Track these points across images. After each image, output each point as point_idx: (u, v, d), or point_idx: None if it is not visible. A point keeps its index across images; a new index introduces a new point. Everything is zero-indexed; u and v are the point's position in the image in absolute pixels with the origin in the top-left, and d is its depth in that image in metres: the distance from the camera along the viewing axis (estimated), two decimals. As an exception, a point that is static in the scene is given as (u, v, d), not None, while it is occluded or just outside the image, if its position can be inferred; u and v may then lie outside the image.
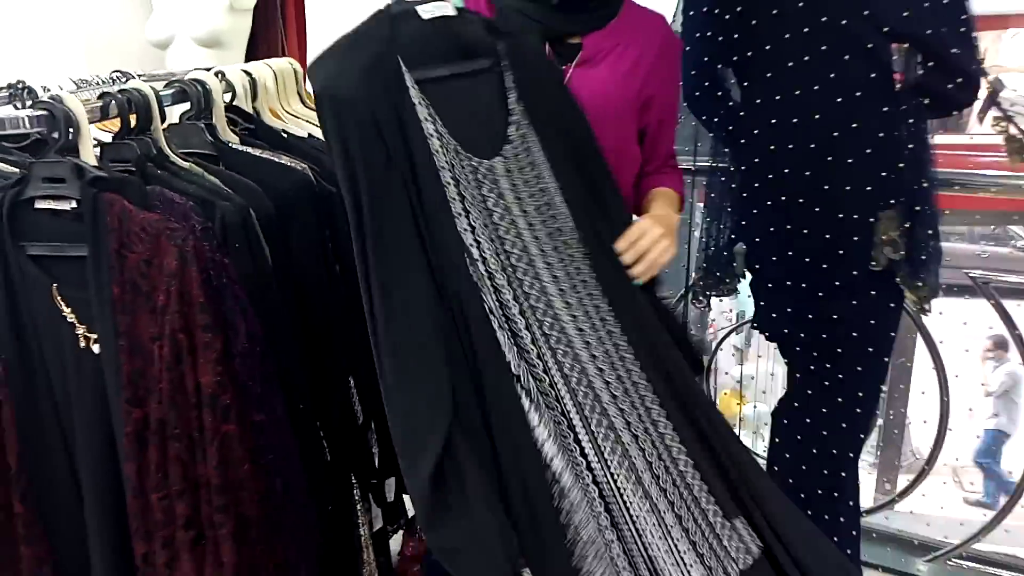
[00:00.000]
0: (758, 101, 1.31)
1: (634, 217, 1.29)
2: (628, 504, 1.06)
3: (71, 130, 1.11)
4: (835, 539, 1.47)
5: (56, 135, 1.12)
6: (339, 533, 1.48)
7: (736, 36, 1.29)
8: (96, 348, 1.07)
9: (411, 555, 1.97)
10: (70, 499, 1.14)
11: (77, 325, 1.08)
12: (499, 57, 1.13)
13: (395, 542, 1.86)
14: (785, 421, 1.46)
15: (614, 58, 1.27)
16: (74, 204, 1.07)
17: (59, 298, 1.09)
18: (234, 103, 1.55)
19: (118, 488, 1.09)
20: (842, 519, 1.46)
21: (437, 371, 1.00)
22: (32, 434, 1.12)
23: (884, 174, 1.24)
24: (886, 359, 1.35)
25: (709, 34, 1.33)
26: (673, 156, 1.43)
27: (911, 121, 1.22)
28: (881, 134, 1.22)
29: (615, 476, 1.06)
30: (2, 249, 1.09)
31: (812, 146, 1.26)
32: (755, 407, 2.97)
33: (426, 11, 1.08)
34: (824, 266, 1.32)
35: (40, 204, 1.10)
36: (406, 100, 1.04)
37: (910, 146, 1.23)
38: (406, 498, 1.60)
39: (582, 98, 1.26)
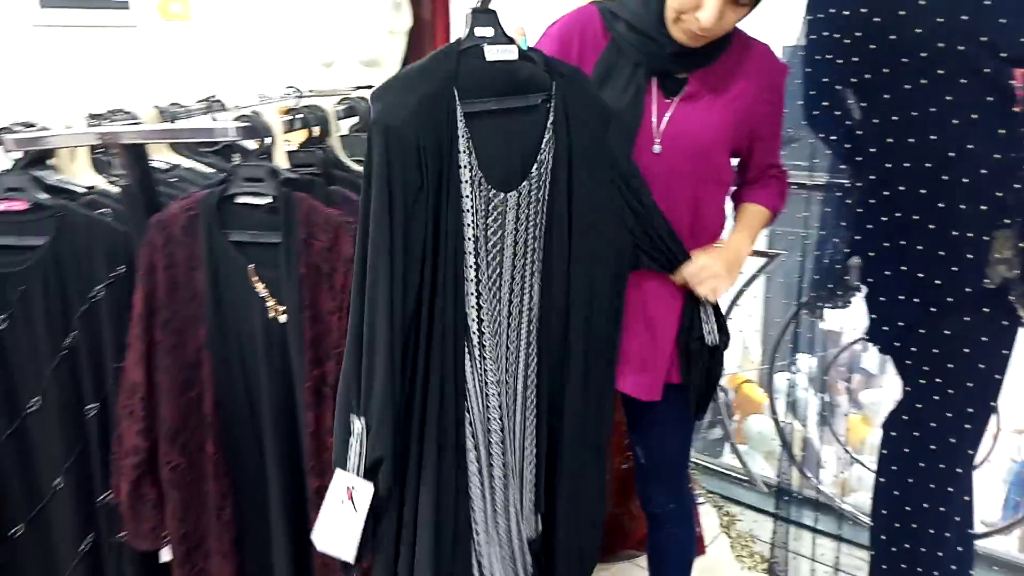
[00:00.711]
0: (875, 121, 1.37)
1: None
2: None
3: (268, 139, 1.35)
4: (939, 554, 1.50)
5: (254, 143, 1.36)
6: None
7: (856, 59, 1.36)
8: (283, 318, 1.29)
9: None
10: (252, 444, 1.36)
11: (268, 299, 1.30)
12: (550, 95, 1.23)
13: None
14: (893, 433, 1.50)
15: (717, 93, 1.37)
16: (270, 200, 1.29)
17: (254, 277, 1.31)
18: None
19: (295, 434, 1.30)
20: (947, 534, 1.48)
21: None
22: (225, 388, 1.35)
23: (999, 194, 1.28)
24: (997, 376, 1.38)
25: (830, 56, 1.40)
26: (775, 165, 1.52)
27: (1028, 143, 1.26)
28: (997, 155, 1.26)
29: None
30: (210, 235, 1.32)
31: (928, 165, 1.32)
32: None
33: (491, 53, 1.18)
34: (937, 282, 1.36)
35: (240, 199, 1.33)
36: (453, 132, 1.14)
37: (1027, 167, 1.27)
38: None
39: (682, 130, 1.37)
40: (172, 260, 1.33)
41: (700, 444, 2.80)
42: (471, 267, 1.19)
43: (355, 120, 1.62)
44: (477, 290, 1.19)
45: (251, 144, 1.43)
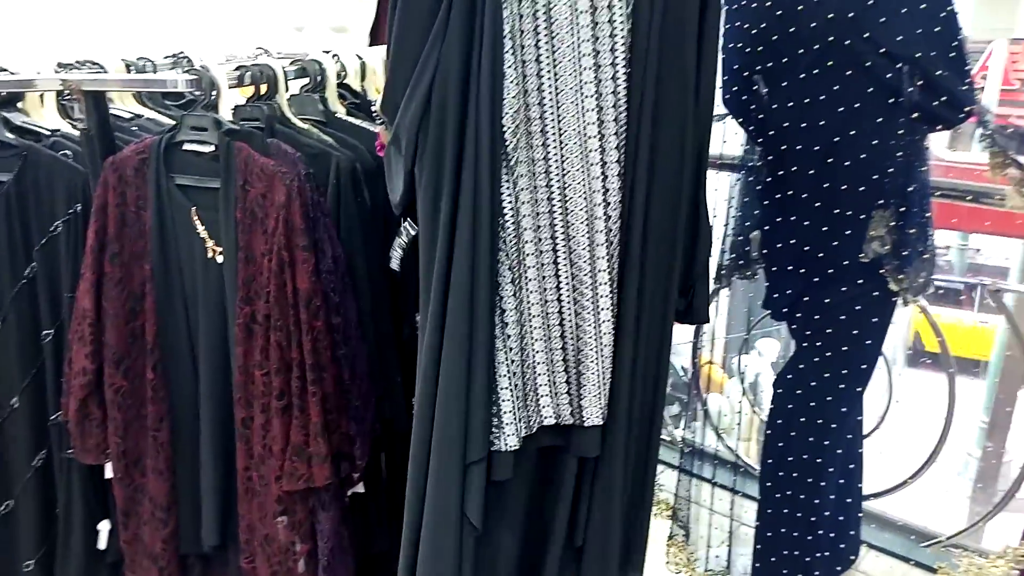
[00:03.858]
0: (775, 106, 1.50)
1: None
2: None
3: (214, 92, 1.46)
4: (816, 501, 1.66)
5: (202, 95, 1.47)
6: (396, 437, 1.77)
7: (760, 48, 1.49)
8: (220, 258, 1.41)
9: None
10: (188, 372, 1.49)
11: (207, 239, 1.42)
12: None
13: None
14: (780, 391, 1.65)
15: None
16: (212, 148, 1.41)
17: (196, 218, 1.44)
18: (345, 81, 1.89)
19: (226, 366, 1.43)
20: (823, 483, 1.64)
21: None
22: (166, 319, 1.47)
23: (876, 177, 1.42)
24: (869, 342, 1.53)
25: (739, 45, 1.53)
26: None
27: (901, 132, 1.39)
28: (875, 142, 1.40)
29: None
30: (157, 177, 1.44)
31: (816, 148, 1.45)
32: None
33: None
34: (820, 255, 1.50)
35: (187, 146, 1.45)
36: None
37: (900, 154, 1.40)
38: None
39: None
40: (123, 199, 1.45)
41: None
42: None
43: (306, 81, 1.73)
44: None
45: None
